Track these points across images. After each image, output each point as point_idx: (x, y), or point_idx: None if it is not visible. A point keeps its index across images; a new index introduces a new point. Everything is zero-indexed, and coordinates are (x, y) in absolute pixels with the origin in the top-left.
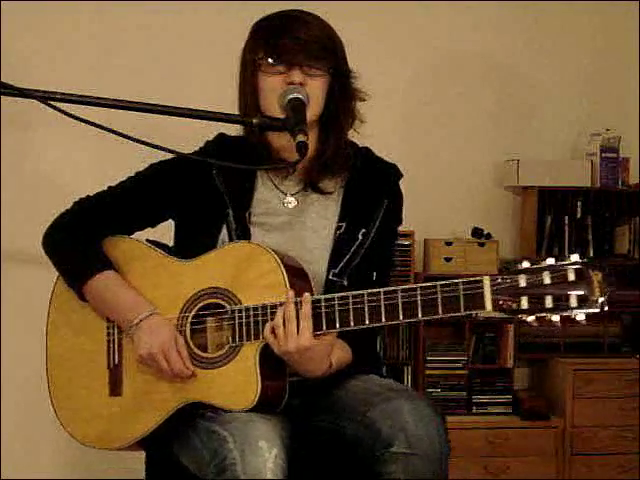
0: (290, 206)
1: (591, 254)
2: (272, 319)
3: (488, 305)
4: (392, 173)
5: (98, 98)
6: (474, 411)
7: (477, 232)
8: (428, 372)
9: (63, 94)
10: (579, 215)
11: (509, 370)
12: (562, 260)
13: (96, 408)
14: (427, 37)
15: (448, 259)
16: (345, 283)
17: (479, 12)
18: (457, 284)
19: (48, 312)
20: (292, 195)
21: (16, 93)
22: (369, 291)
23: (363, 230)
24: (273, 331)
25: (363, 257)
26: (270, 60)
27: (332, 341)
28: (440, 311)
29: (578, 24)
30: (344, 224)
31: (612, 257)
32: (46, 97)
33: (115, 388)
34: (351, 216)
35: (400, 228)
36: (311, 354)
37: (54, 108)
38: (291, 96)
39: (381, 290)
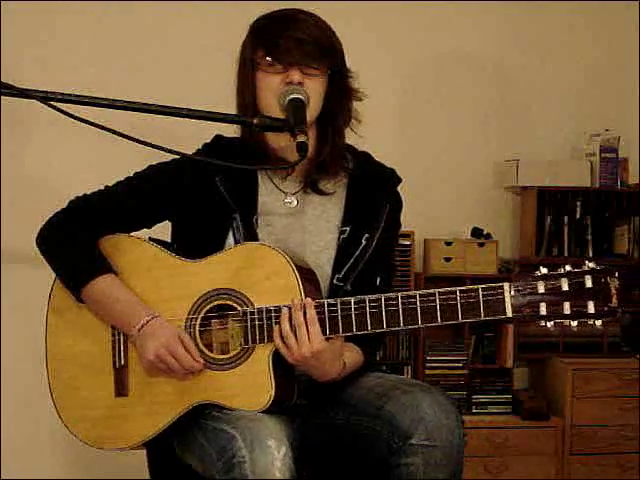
0: (291, 205)
1: (590, 254)
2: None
3: (509, 311)
4: (391, 178)
5: (98, 98)
6: (474, 411)
7: (477, 232)
8: (428, 372)
9: (63, 94)
10: (578, 215)
11: (509, 370)
12: (580, 266)
13: (101, 409)
14: (427, 37)
15: (448, 259)
16: (349, 288)
17: (479, 12)
18: (477, 290)
19: (46, 313)
20: (292, 195)
21: (16, 93)
22: (386, 295)
23: (366, 235)
24: (283, 340)
25: (366, 262)
26: (269, 59)
27: (342, 342)
28: (460, 316)
29: (578, 24)
30: (348, 228)
31: (611, 257)
32: (46, 97)
33: (121, 389)
34: (355, 221)
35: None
36: (325, 357)
37: (54, 108)
38: (292, 96)
39: (399, 295)
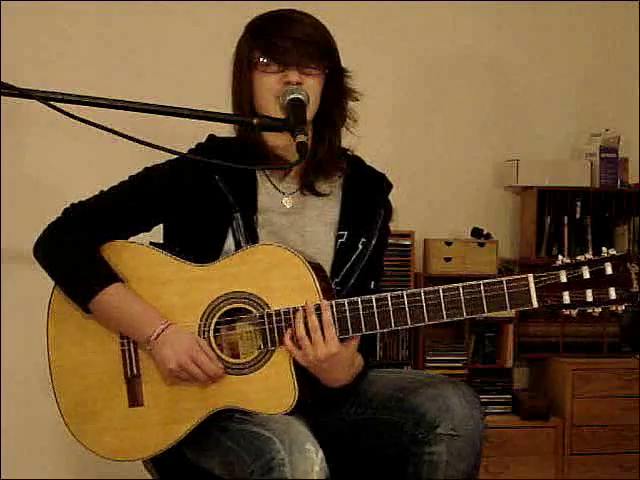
0: (287, 205)
1: (590, 254)
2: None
3: (534, 302)
4: (384, 184)
5: (98, 98)
6: None
7: (477, 232)
8: (428, 372)
9: (63, 94)
10: (578, 215)
11: (509, 370)
12: (600, 254)
13: (115, 420)
14: (426, 37)
15: (448, 259)
16: (345, 292)
17: (480, 12)
18: (501, 282)
19: (47, 325)
20: (290, 195)
21: (16, 93)
22: (409, 291)
23: (363, 240)
24: (297, 342)
25: (362, 267)
26: (266, 60)
27: (355, 347)
28: (485, 309)
29: (578, 24)
30: (345, 233)
31: None
32: (46, 97)
33: (135, 399)
34: (352, 225)
35: (400, 228)
36: (339, 360)
37: (54, 108)
38: (292, 96)
39: (422, 290)
